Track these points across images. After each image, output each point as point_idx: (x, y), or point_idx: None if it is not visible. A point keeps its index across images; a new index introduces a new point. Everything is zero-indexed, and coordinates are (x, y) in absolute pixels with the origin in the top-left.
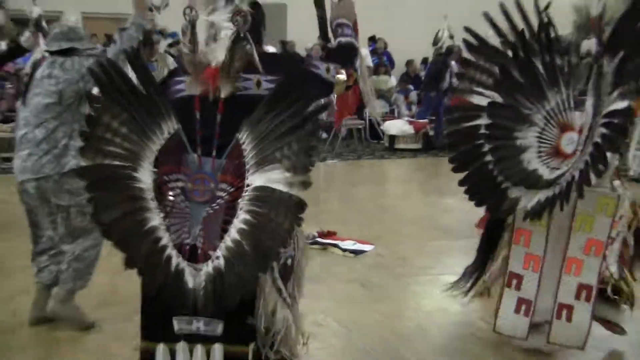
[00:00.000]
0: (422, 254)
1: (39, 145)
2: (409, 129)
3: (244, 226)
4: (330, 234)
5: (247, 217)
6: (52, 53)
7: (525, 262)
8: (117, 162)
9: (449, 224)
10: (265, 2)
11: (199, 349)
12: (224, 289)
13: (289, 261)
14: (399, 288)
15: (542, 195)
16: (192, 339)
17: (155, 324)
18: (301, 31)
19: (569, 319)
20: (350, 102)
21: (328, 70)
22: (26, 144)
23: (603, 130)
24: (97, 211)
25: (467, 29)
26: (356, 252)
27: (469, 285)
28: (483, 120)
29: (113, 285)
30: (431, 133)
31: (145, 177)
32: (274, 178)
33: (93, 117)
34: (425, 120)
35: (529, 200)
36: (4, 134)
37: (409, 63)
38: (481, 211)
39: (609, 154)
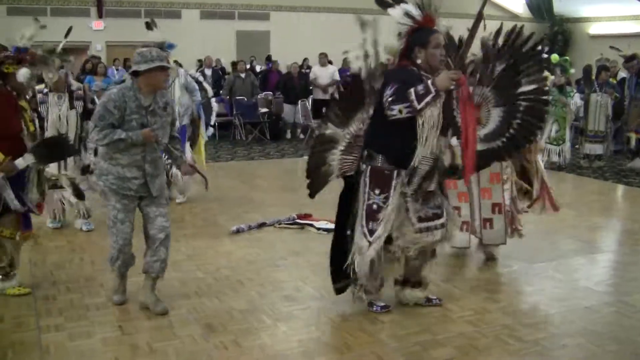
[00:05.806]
0: None
1: None
2: None
3: None
4: (307, 216)
5: None
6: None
7: (458, 198)
8: (332, 127)
9: None
10: (254, 29)
11: None
12: None
13: (375, 206)
14: None
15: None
16: None
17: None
18: (280, 51)
19: (491, 227)
20: None
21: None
22: None
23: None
24: (312, 149)
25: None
26: (328, 230)
27: None
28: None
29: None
30: None
31: (341, 141)
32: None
33: (330, 104)
34: None
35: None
36: None
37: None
38: None
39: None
